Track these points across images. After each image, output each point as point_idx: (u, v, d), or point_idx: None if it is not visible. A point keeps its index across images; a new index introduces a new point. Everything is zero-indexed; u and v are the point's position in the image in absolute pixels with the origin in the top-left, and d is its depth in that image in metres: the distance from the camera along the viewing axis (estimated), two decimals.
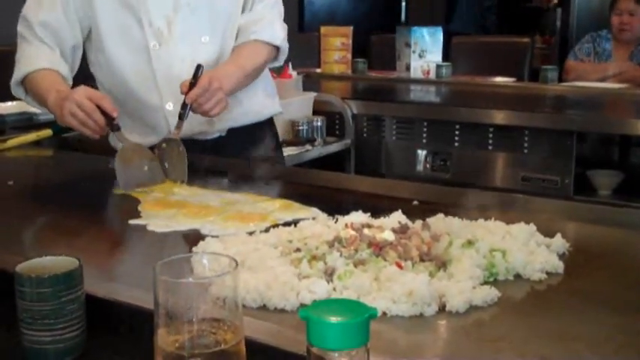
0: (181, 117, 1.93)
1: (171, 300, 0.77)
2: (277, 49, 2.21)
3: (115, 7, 2.07)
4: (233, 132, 2.22)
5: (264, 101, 2.32)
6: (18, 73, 2.08)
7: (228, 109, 2.04)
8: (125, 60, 2.11)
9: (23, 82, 2.07)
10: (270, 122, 2.40)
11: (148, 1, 2.06)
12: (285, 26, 2.25)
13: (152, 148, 1.97)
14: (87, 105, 1.81)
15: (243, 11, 2.16)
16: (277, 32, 2.19)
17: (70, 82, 2.08)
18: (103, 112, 1.83)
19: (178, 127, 1.94)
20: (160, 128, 2.11)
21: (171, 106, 2.09)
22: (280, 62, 2.31)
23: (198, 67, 1.95)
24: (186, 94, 1.92)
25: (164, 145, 1.96)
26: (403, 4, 8.02)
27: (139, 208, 1.69)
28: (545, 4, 7.62)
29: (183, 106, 1.93)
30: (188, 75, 1.99)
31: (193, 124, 2.04)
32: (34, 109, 3.12)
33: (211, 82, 1.93)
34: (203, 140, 2.18)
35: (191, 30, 2.10)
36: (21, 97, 2.12)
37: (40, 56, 2.07)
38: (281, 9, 2.25)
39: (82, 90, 1.86)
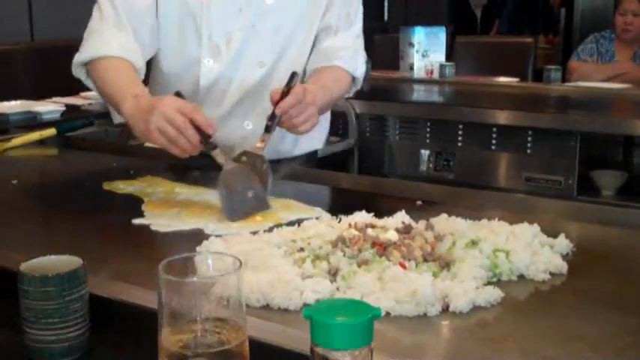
0: (268, 129, 1.69)
1: (175, 299, 0.78)
2: (354, 80, 2.09)
3: (174, 8, 1.94)
4: None
5: (304, 138, 2.04)
6: (84, 54, 1.89)
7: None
8: (173, 66, 2.00)
9: (88, 64, 1.89)
10: (306, 158, 2.21)
11: (213, 15, 1.93)
12: (365, 57, 2.14)
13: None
14: (179, 119, 1.55)
15: (327, 36, 2.03)
16: (360, 64, 2.08)
17: (143, 75, 1.91)
18: (197, 128, 1.57)
19: (263, 139, 1.69)
20: None
21: None
22: (350, 94, 2.17)
23: (293, 74, 1.75)
24: (276, 103, 1.68)
25: (244, 158, 1.69)
26: (385, 3, 8.03)
27: (143, 207, 1.69)
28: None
29: (272, 116, 1.69)
30: (230, 95, 1.94)
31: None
32: (37, 107, 3.16)
33: (306, 94, 1.70)
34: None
35: (249, 53, 1.97)
36: (81, 78, 1.94)
37: (112, 40, 1.87)
38: (362, 42, 2.13)
39: (172, 101, 1.60)
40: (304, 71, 2.05)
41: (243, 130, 2.00)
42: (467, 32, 6.40)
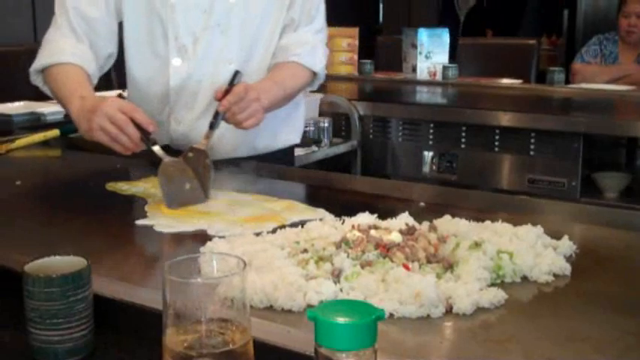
0: (212, 126, 1.81)
1: (179, 300, 0.78)
2: (314, 75, 2.14)
3: (142, 12, 2.00)
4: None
5: (279, 132, 2.20)
6: (39, 62, 1.97)
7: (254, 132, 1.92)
8: (143, 68, 2.05)
9: (44, 71, 1.97)
10: (282, 153, 2.26)
11: (178, 15, 1.98)
12: (327, 52, 2.18)
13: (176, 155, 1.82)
14: (120, 118, 1.66)
15: (286, 31, 2.09)
16: (319, 59, 2.12)
17: (95, 82, 1.99)
18: (137, 126, 1.68)
19: (207, 136, 1.81)
20: (160, 141, 2.06)
21: (177, 125, 2.06)
22: (314, 87, 2.22)
23: (236, 73, 1.85)
24: (219, 100, 1.81)
25: (190, 154, 1.80)
26: (381, 5, 8.03)
27: (146, 208, 1.69)
28: None
29: (216, 114, 1.81)
30: (202, 96, 1.97)
31: (184, 148, 1.92)
32: (41, 109, 3.16)
33: (248, 91, 1.81)
34: None
35: (216, 52, 2.01)
36: (38, 85, 2.03)
37: (66, 47, 1.96)
38: (325, 36, 2.18)
39: (113, 102, 1.71)
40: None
41: (218, 130, 2.02)
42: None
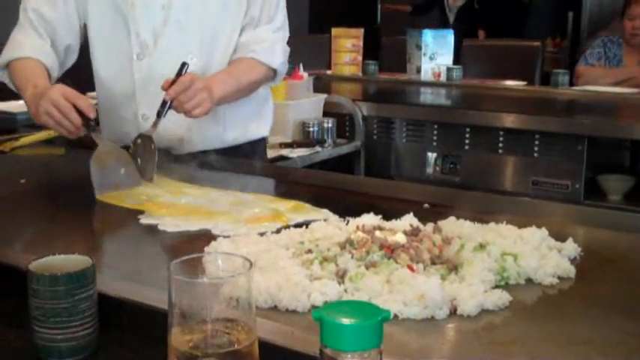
0: (159, 114, 1.89)
1: (185, 300, 0.78)
2: (274, 71, 2.19)
3: (106, 10, 2.08)
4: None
5: (248, 125, 2.28)
6: (2, 57, 2.08)
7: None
8: (108, 66, 2.12)
9: (8, 67, 2.07)
10: (255, 145, 2.34)
11: (138, 11, 2.05)
12: (287, 50, 2.24)
13: (126, 146, 1.93)
14: (63, 104, 1.76)
15: (247, 29, 2.14)
16: (277, 56, 2.18)
17: (55, 75, 2.08)
18: (80, 112, 1.77)
19: (154, 124, 1.90)
20: (130, 139, 2.09)
21: (145, 120, 2.09)
22: (276, 83, 2.29)
23: (183, 64, 1.91)
24: (166, 90, 1.89)
25: (139, 141, 1.92)
26: (379, 6, 8.02)
27: (145, 209, 1.68)
28: None
29: (163, 103, 1.89)
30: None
31: (162, 140, 2.00)
32: None
33: (194, 81, 1.89)
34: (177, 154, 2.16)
35: (177, 47, 2.07)
36: (5, 81, 2.12)
37: (25, 43, 2.06)
38: (286, 34, 2.24)
39: (59, 88, 1.81)
40: None
41: (186, 122, 2.07)
42: None
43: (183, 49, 2.06)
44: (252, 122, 2.29)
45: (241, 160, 2.15)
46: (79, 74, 2.25)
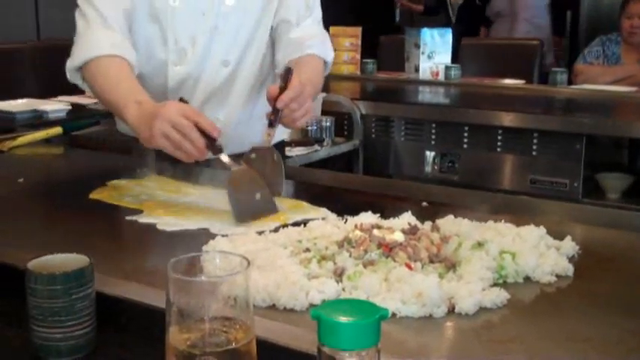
0: (272, 124, 1.72)
1: (183, 298, 0.78)
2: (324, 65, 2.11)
3: (142, 17, 1.99)
4: None
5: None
6: (76, 58, 1.88)
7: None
8: (141, 72, 2.02)
9: (82, 67, 1.89)
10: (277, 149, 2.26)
11: (178, 19, 1.98)
12: (332, 42, 2.18)
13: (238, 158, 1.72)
14: (183, 124, 1.56)
15: (289, 28, 2.06)
16: (329, 49, 2.12)
17: (137, 72, 1.92)
18: (202, 132, 1.58)
19: (269, 134, 1.73)
20: None
21: None
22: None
23: (289, 70, 1.76)
24: (275, 98, 1.70)
25: (253, 155, 1.73)
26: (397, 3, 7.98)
27: (144, 209, 1.68)
28: None
29: (274, 110, 1.71)
30: (197, 96, 1.99)
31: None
32: (44, 106, 3.17)
33: (304, 87, 1.73)
34: None
35: (214, 54, 2.02)
36: (77, 83, 1.94)
37: (102, 39, 1.87)
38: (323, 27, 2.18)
39: (175, 106, 1.62)
40: (266, 66, 2.12)
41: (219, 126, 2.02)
42: None
43: (218, 56, 2.03)
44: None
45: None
46: None
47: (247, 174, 1.65)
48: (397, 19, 7.80)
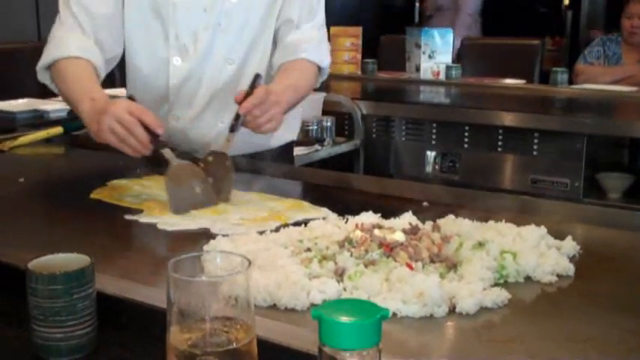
0: (233, 129, 1.77)
1: (184, 298, 0.78)
2: (319, 71, 2.12)
3: (145, 13, 2.01)
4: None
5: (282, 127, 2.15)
6: (45, 58, 1.95)
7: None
8: (143, 67, 2.06)
9: (50, 67, 1.95)
10: (280, 150, 2.27)
11: (179, 15, 1.99)
12: (330, 48, 2.18)
13: (195, 160, 1.80)
14: (128, 120, 1.63)
15: (289, 30, 2.07)
16: (324, 54, 2.12)
17: (102, 75, 1.97)
18: (147, 128, 1.65)
19: (228, 139, 1.78)
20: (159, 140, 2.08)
21: (176, 122, 2.07)
22: (317, 85, 2.19)
23: (257, 76, 1.81)
24: (240, 104, 1.76)
25: (210, 158, 1.78)
26: (417, 4, 7.97)
27: (144, 208, 1.68)
28: None
29: (236, 117, 1.76)
30: (201, 94, 1.99)
31: (190, 143, 1.95)
32: (44, 106, 3.17)
33: (269, 94, 1.77)
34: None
35: (217, 51, 2.02)
36: (46, 82, 2.00)
37: (71, 41, 1.93)
38: (326, 32, 2.17)
39: (122, 103, 1.69)
40: (270, 66, 2.10)
41: (217, 128, 2.05)
42: None
43: (222, 54, 2.03)
44: (280, 128, 2.16)
45: (240, 159, 2.15)
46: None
47: (188, 168, 1.72)
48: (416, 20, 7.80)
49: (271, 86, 1.85)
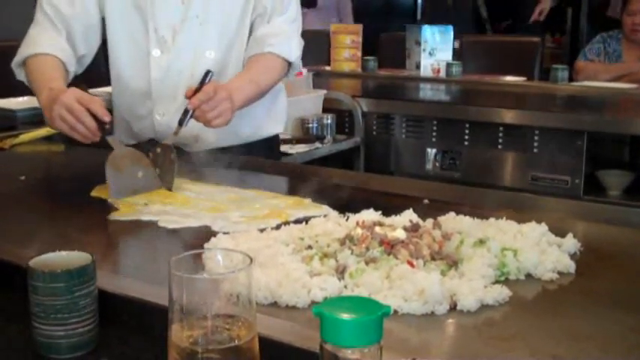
0: (180, 123, 1.84)
1: (185, 296, 0.78)
2: (289, 64, 2.17)
3: (125, 6, 2.06)
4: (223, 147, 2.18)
5: (262, 122, 2.27)
6: (18, 56, 2.04)
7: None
8: (125, 62, 2.11)
9: (24, 65, 2.03)
10: (268, 142, 2.34)
11: (157, 7, 2.04)
12: (302, 42, 2.21)
13: (146, 152, 1.86)
14: (76, 108, 1.72)
15: (260, 23, 2.12)
16: (294, 48, 2.15)
17: (72, 70, 2.05)
18: (95, 117, 1.73)
19: (175, 132, 1.85)
20: (145, 137, 2.11)
21: (161, 117, 2.10)
22: (290, 77, 2.25)
23: (207, 73, 1.87)
24: (189, 99, 1.84)
25: (158, 150, 1.85)
26: (419, 2, 7.95)
27: (148, 204, 1.68)
28: None
29: (185, 111, 1.84)
30: (183, 87, 1.99)
31: (178, 138, 1.97)
32: None
33: (217, 91, 1.84)
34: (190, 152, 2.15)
35: (196, 43, 2.07)
36: (22, 79, 2.08)
37: (41, 39, 2.03)
38: (300, 25, 2.21)
39: (71, 92, 1.76)
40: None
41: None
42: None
43: (201, 45, 2.07)
44: (265, 119, 2.27)
45: (241, 157, 2.15)
46: (94, 69, 2.24)
47: (130, 154, 1.81)
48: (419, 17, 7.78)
49: (224, 84, 1.92)
